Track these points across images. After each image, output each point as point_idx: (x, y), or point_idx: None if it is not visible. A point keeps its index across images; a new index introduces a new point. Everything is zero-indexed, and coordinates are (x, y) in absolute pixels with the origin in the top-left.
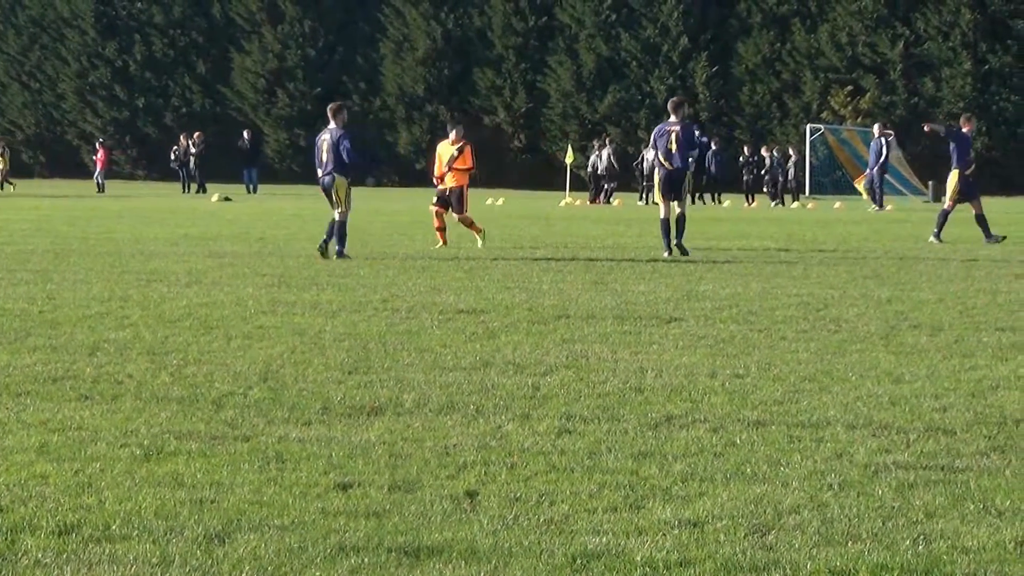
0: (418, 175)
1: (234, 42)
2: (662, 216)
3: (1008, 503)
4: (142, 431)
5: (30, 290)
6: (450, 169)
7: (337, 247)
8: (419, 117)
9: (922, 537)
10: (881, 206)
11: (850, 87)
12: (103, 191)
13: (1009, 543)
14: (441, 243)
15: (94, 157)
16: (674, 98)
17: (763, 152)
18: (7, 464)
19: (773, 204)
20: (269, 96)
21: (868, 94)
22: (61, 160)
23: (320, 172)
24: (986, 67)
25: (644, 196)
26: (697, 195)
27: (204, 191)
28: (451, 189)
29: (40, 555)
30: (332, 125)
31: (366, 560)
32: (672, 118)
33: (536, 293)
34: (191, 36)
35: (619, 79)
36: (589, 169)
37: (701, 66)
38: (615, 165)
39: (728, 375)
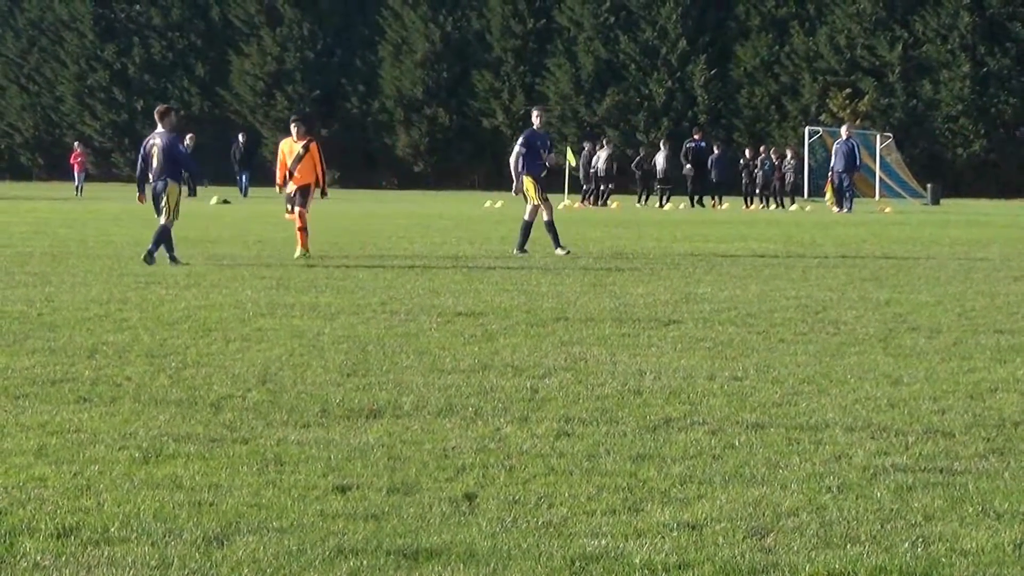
0: (416, 177)
1: (233, 45)
2: (546, 219)
3: (1007, 505)
4: (141, 433)
5: (28, 292)
6: (296, 169)
7: (168, 254)
8: (418, 119)
9: (921, 539)
10: (850, 208)
11: (849, 89)
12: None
13: (1008, 545)
14: (301, 248)
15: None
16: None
17: (762, 153)
18: (5, 467)
19: (762, 207)
20: (267, 99)
21: (867, 96)
22: (59, 163)
23: (151, 177)
24: (985, 70)
25: (643, 198)
26: (696, 198)
27: (194, 194)
28: (298, 188)
29: (39, 558)
30: (160, 129)
31: (365, 562)
32: None
33: (535, 296)
34: (190, 39)
35: (618, 81)
36: (581, 171)
37: (700, 68)
38: (613, 167)
39: (727, 377)
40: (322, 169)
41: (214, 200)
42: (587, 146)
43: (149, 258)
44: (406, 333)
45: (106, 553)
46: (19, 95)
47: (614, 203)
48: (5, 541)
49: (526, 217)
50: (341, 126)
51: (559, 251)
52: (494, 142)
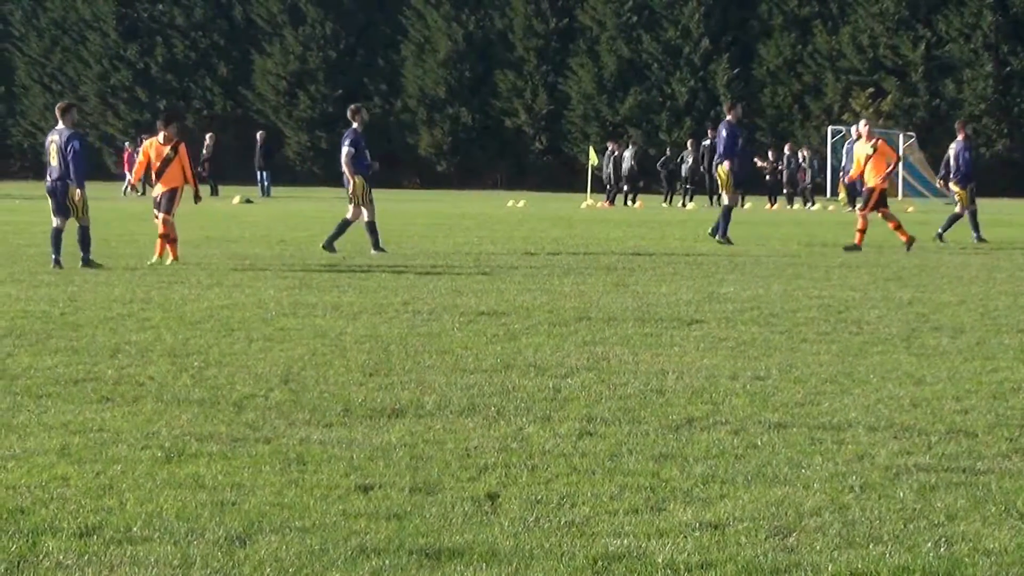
0: (439, 177)
1: (255, 44)
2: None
3: None
4: (163, 433)
5: (51, 292)
6: (165, 172)
7: (82, 255)
8: (440, 119)
9: (943, 539)
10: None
11: (871, 89)
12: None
13: None
14: (171, 258)
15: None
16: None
17: (787, 152)
18: (29, 466)
19: (788, 207)
20: (290, 98)
21: (889, 96)
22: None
23: (48, 176)
24: (1008, 69)
25: (668, 198)
26: (716, 196)
27: (216, 193)
28: (165, 192)
29: (61, 557)
30: (60, 126)
31: (387, 562)
32: None
33: (557, 295)
34: (212, 38)
35: (640, 81)
36: (605, 171)
37: (722, 68)
38: (637, 167)
39: (749, 377)
40: (192, 172)
41: (236, 200)
42: (610, 146)
43: (88, 264)
44: (428, 333)
45: (128, 552)
46: (42, 94)
47: (638, 202)
48: (28, 540)
49: (366, 218)
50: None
51: (375, 252)
52: (516, 142)
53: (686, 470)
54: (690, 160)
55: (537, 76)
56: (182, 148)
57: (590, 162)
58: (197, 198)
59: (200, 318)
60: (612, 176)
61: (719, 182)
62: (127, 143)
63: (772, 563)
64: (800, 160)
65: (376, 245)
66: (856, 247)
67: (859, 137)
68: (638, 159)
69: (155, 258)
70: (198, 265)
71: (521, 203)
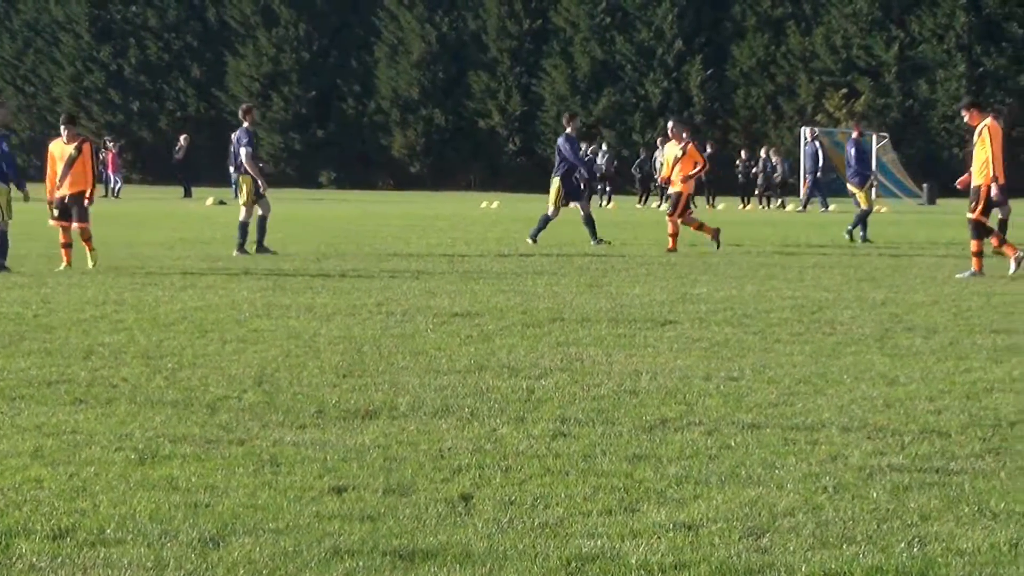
0: (413, 178)
1: (228, 46)
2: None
3: (1003, 505)
4: (137, 435)
5: (24, 294)
6: (69, 173)
7: None
8: (414, 120)
9: (917, 540)
10: (825, 208)
11: (844, 90)
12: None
13: (1004, 545)
14: (65, 263)
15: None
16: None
17: (761, 154)
18: (2, 468)
19: (761, 207)
20: (264, 99)
21: (863, 97)
22: None
23: None
24: (981, 69)
25: (643, 199)
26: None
27: (189, 195)
28: (71, 195)
29: (35, 559)
30: None
31: (361, 564)
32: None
33: (531, 296)
34: (186, 40)
35: (614, 82)
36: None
37: (696, 69)
38: (611, 168)
39: (723, 378)
40: (93, 173)
41: (209, 201)
42: (583, 147)
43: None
44: (402, 334)
45: (102, 554)
46: (15, 96)
47: (611, 204)
48: (1, 542)
49: (242, 217)
50: (337, 127)
51: (237, 253)
52: (490, 143)
53: (660, 471)
54: (662, 161)
55: (510, 77)
56: (86, 147)
57: None
58: (91, 199)
59: (173, 320)
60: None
61: (553, 193)
62: (110, 144)
63: (746, 564)
64: (774, 162)
65: (241, 247)
66: (672, 251)
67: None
68: (609, 160)
69: (64, 265)
70: (171, 267)
71: (495, 204)
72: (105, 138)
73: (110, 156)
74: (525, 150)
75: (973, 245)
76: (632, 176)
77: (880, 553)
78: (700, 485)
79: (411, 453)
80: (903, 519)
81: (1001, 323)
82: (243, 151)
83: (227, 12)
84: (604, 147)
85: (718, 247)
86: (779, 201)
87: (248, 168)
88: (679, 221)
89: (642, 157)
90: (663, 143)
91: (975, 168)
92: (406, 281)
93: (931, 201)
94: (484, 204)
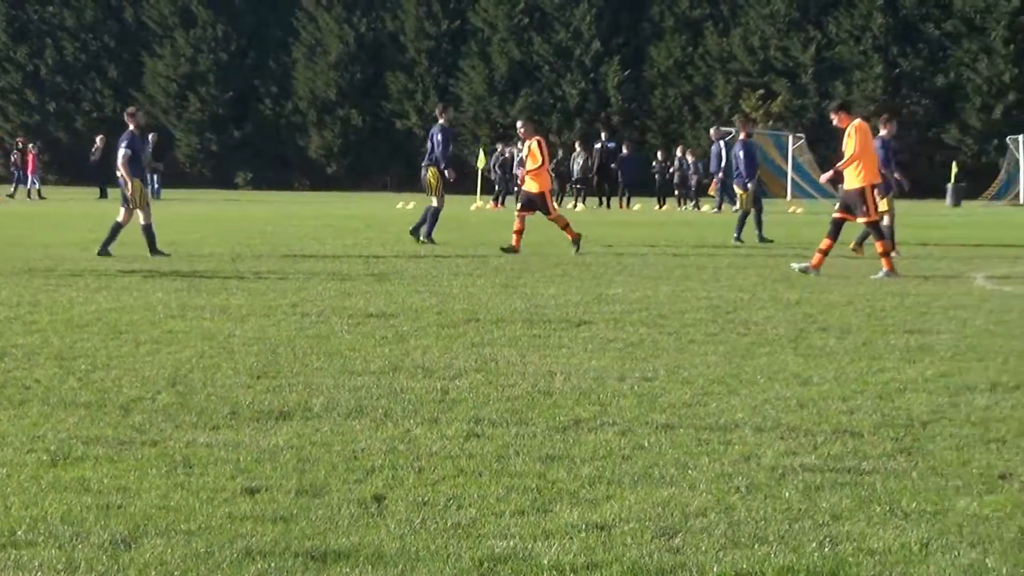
0: (329, 179)
1: (146, 46)
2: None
3: (914, 505)
4: (49, 436)
5: None
6: None
7: None
8: (331, 121)
9: (828, 539)
10: (718, 210)
11: (761, 91)
12: (41, 197)
13: (915, 545)
14: None
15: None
16: None
17: (677, 154)
18: None
19: (680, 208)
20: (181, 100)
21: (779, 98)
22: None
23: None
24: (897, 70)
25: (559, 199)
26: (606, 199)
27: (105, 195)
28: None
29: None
30: None
31: (273, 565)
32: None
33: (446, 297)
34: (103, 40)
35: (531, 83)
36: (493, 173)
37: (613, 70)
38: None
39: (637, 378)
40: None
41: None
42: (500, 147)
43: None
44: (317, 335)
45: (12, 556)
46: None
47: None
48: None
49: (142, 222)
50: (254, 128)
51: (153, 256)
52: (407, 144)
53: (573, 471)
54: (580, 162)
55: (428, 78)
56: None
57: (480, 164)
58: None
59: (87, 321)
60: (500, 178)
61: (428, 186)
62: (31, 146)
63: (658, 564)
64: (689, 162)
65: (153, 249)
66: (514, 249)
67: (717, 140)
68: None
69: None
70: (86, 268)
71: (411, 205)
72: (18, 139)
73: (30, 157)
74: None
75: (879, 246)
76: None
77: (791, 553)
78: (613, 485)
79: (324, 454)
80: (815, 519)
81: (914, 323)
82: (120, 152)
83: (145, 13)
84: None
85: (576, 251)
86: (694, 201)
87: (122, 169)
88: (548, 219)
89: (559, 157)
90: (582, 146)
91: (849, 170)
92: (321, 282)
93: None
94: (400, 205)
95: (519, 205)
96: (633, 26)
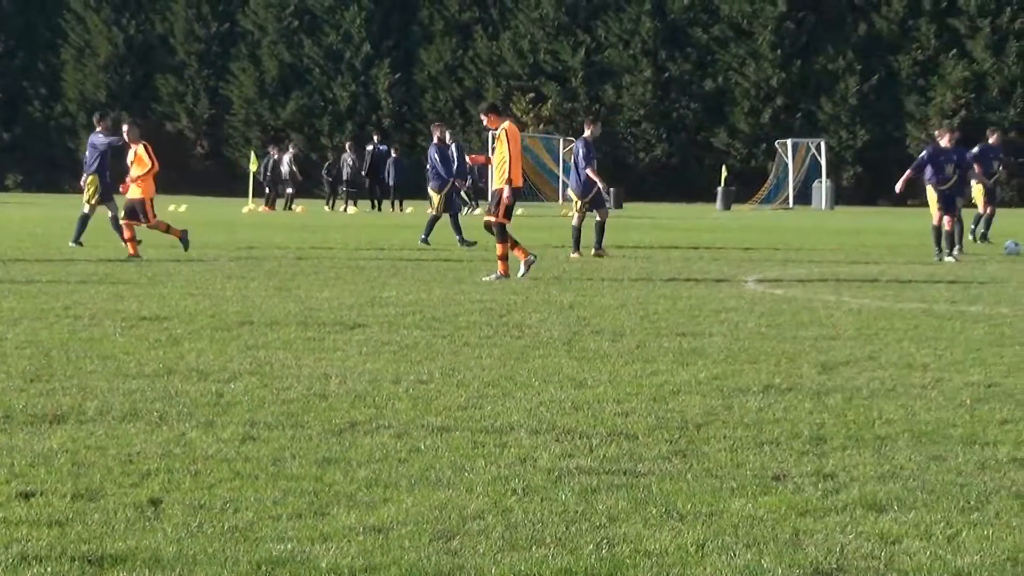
0: None
1: None
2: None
3: (689, 506)
4: None
5: None
6: None
7: None
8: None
9: (605, 541)
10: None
11: (532, 94)
12: None
13: (691, 546)
14: None
15: None
16: None
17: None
18: None
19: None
20: None
21: (550, 101)
22: None
23: None
24: (666, 75)
25: (331, 202)
26: (377, 202)
27: None
28: None
29: None
30: None
31: (49, 569)
32: None
33: (219, 300)
34: None
35: (302, 85)
36: (264, 175)
37: (384, 72)
38: (297, 171)
39: (412, 381)
40: None
41: None
42: (271, 150)
43: None
44: (90, 338)
45: None
46: None
47: (299, 207)
48: None
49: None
50: (23, 129)
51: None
52: (178, 146)
53: (349, 474)
54: (351, 164)
55: (199, 80)
56: None
57: (252, 166)
58: None
59: None
60: (271, 180)
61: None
62: None
63: (436, 566)
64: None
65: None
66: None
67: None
68: (298, 163)
69: None
70: None
71: (183, 207)
72: None
73: None
74: (213, 153)
75: (499, 248)
76: (321, 179)
77: (569, 555)
78: (390, 488)
79: (99, 458)
80: (591, 521)
81: (687, 326)
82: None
83: None
84: (290, 150)
85: (186, 249)
86: (473, 203)
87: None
88: (147, 227)
89: (331, 160)
90: (351, 148)
91: (495, 171)
92: (93, 285)
93: (618, 205)
94: (172, 207)
95: (123, 213)
96: (403, 29)
